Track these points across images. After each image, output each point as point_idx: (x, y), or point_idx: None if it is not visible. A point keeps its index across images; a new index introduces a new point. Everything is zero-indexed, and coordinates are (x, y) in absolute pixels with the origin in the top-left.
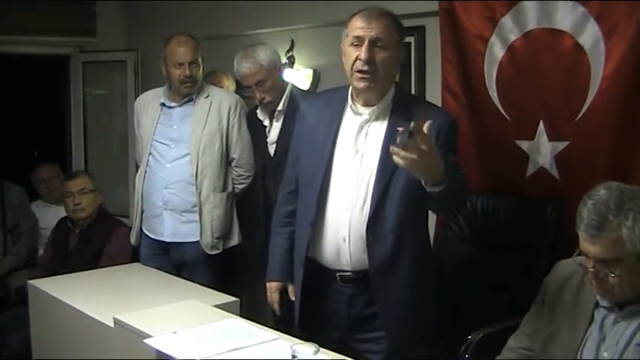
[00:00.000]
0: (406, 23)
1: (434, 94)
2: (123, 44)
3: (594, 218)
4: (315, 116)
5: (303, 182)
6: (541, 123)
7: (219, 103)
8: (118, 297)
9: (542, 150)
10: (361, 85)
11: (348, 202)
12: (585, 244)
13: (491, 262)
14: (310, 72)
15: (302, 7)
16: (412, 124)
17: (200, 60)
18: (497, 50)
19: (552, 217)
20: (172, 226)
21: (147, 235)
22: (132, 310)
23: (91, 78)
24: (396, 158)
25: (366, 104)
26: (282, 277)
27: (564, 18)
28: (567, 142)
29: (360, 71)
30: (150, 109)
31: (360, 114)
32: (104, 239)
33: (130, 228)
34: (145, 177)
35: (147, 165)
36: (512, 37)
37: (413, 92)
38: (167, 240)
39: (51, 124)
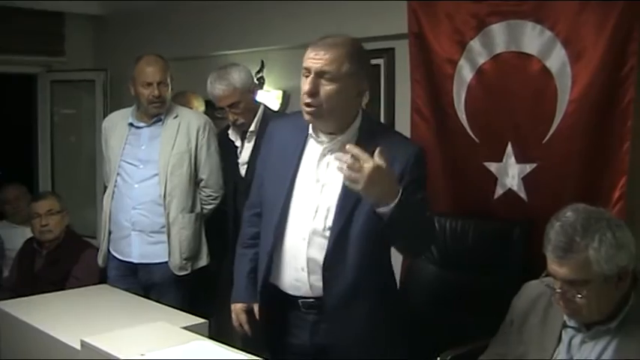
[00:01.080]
0: (376, 45)
1: (403, 116)
2: (92, 64)
3: (561, 240)
4: (281, 140)
5: (265, 207)
6: (509, 145)
7: (188, 123)
8: (85, 319)
9: (510, 172)
10: (306, 117)
11: (305, 232)
12: (553, 266)
13: (459, 284)
14: (280, 93)
15: (272, 28)
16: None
17: (169, 80)
18: (465, 73)
19: (520, 239)
20: (140, 247)
21: (114, 257)
22: (99, 332)
23: (59, 97)
24: (344, 174)
25: (328, 133)
26: (247, 298)
27: (532, 42)
28: (535, 164)
29: (304, 103)
30: (118, 129)
31: (322, 142)
32: (71, 261)
33: (98, 249)
34: (112, 198)
35: (115, 185)
36: (481, 60)
37: (382, 114)
38: (135, 261)
39: (18, 143)
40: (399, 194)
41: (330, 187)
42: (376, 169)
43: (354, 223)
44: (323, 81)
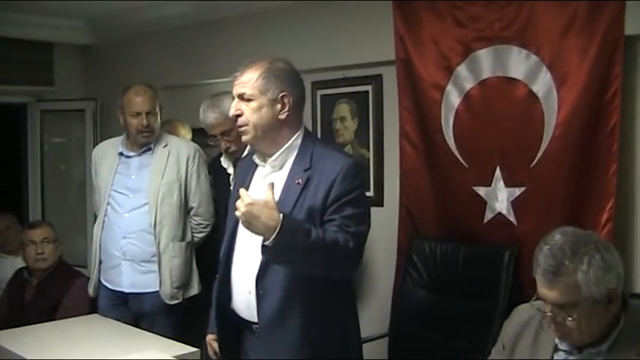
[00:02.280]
0: (363, 72)
1: (391, 142)
2: (81, 93)
3: (551, 263)
4: (239, 174)
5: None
6: (498, 169)
7: (178, 152)
8: (77, 349)
9: (500, 196)
10: (242, 138)
11: (251, 255)
12: (543, 289)
13: (449, 308)
14: None
15: (260, 56)
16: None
17: (158, 109)
18: (453, 98)
19: (510, 263)
20: (131, 277)
21: (105, 286)
22: None
23: (49, 127)
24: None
25: (269, 155)
26: (214, 328)
27: (517, 66)
28: (524, 188)
29: (237, 126)
30: (108, 158)
31: (264, 166)
32: (62, 290)
33: (88, 279)
34: (103, 227)
35: (105, 215)
36: (468, 85)
37: (371, 140)
38: (126, 290)
39: (7, 172)
40: (278, 230)
41: None
42: (249, 206)
43: None
44: (244, 102)
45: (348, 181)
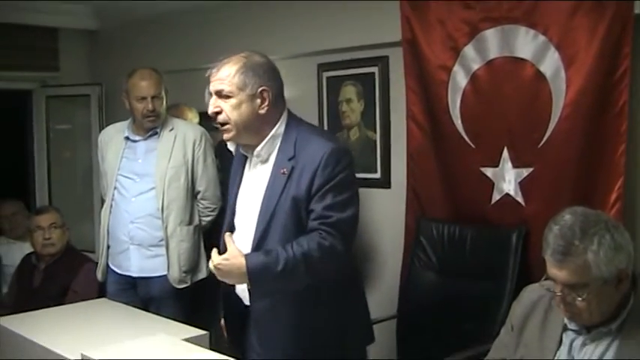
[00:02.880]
0: (369, 54)
1: (399, 124)
2: (86, 78)
3: (560, 243)
4: (236, 166)
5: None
6: (505, 150)
7: (184, 136)
8: (85, 333)
9: (507, 177)
10: (224, 135)
11: (247, 243)
12: (552, 269)
13: (458, 289)
14: None
15: (266, 39)
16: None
17: (164, 94)
18: (460, 79)
19: (518, 243)
20: (139, 261)
21: (113, 271)
22: (99, 346)
23: (55, 112)
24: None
25: (253, 147)
26: None
27: (525, 46)
28: (531, 169)
29: (217, 124)
30: (114, 143)
31: (251, 158)
32: (70, 275)
33: (96, 263)
34: (110, 212)
35: (112, 199)
36: (475, 66)
37: (377, 121)
38: (134, 275)
39: (13, 159)
40: (247, 275)
41: (258, 200)
42: (218, 268)
43: (273, 230)
44: (222, 99)
45: (329, 169)
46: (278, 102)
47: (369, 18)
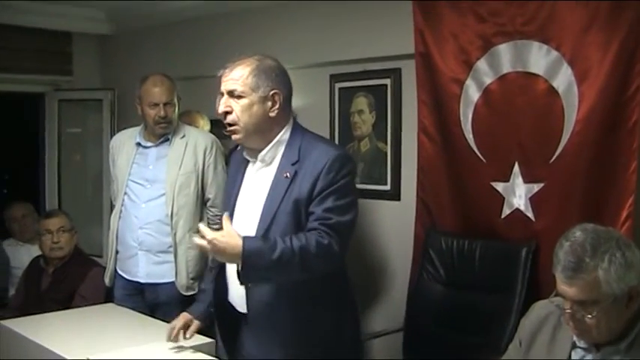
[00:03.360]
0: (382, 66)
1: (409, 136)
2: (99, 83)
3: (571, 260)
4: (232, 170)
5: None
6: (516, 165)
7: (195, 143)
8: (92, 338)
9: (518, 192)
10: (232, 136)
11: None
12: (562, 286)
13: (466, 303)
14: None
15: (279, 48)
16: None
17: (176, 100)
18: (472, 93)
19: (527, 258)
20: (147, 267)
21: (121, 276)
22: (106, 351)
23: (67, 116)
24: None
25: (258, 151)
26: (194, 312)
27: (538, 62)
28: (542, 184)
29: (225, 124)
30: (125, 148)
31: (254, 162)
32: (78, 279)
33: (104, 268)
34: (120, 217)
35: (122, 205)
36: (488, 80)
37: (389, 134)
38: (142, 281)
39: (25, 161)
40: (241, 255)
41: (259, 204)
42: (212, 242)
43: (272, 235)
44: (234, 99)
45: (332, 174)
46: (286, 107)
47: (382, 30)
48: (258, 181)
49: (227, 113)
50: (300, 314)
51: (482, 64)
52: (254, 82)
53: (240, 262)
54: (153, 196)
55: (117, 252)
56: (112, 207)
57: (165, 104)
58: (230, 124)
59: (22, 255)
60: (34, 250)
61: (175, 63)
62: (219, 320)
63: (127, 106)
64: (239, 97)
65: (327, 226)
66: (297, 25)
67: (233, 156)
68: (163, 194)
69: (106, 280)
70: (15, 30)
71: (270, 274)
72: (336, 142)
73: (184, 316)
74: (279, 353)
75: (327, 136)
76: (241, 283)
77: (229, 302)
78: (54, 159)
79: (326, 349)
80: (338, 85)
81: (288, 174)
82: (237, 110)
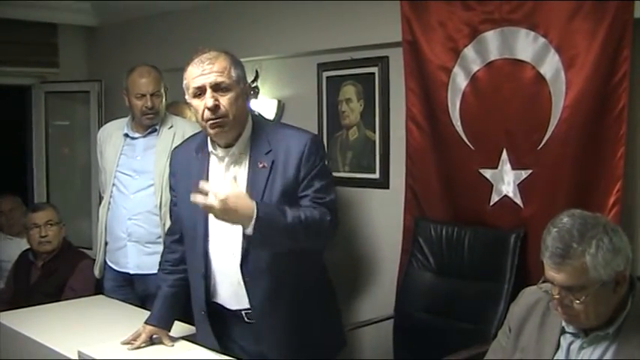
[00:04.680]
0: (369, 54)
1: (398, 124)
2: (86, 75)
3: (558, 246)
4: (184, 167)
5: (186, 233)
6: (504, 152)
7: (183, 133)
8: (82, 330)
9: (506, 178)
10: (216, 131)
11: (233, 248)
12: (550, 272)
13: (455, 291)
14: (275, 102)
15: (266, 38)
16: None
17: (163, 91)
18: (460, 81)
19: (516, 245)
20: (136, 258)
21: (111, 267)
22: (96, 343)
23: (54, 109)
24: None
25: (226, 146)
26: (158, 323)
27: (525, 48)
28: (530, 171)
29: (209, 119)
30: (113, 139)
31: (223, 157)
32: (67, 272)
33: (94, 260)
34: (108, 208)
35: (110, 196)
36: (475, 67)
37: (377, 122)
38: (131, 272)
39: (12, 154)
40: (255, 216)
41: None
42: (223, 201)
43: None
44: (220, 93)
45: (313, 157)
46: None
47: (369, 18)
48: (229, 176)
49: (216, 107)
50: (299, 308)
51: (469, 52)
52: (237, 75)
53: (253, 223)
54: (141, 187)
55: (106, 243)
56: (100, 199)
57: (151, 95)
58: (219, 118)
59: (11, 249)
60: (24, 244)
61: (162, 54)
62: (210, 319)
63: (114, 98)
64: (226, 89)
65: (322, 204)
66: (284, 13)
67: (177, 153)
68: (152, 185)
69: (96, 272)
70: (0, 22)
71: (279, 238)
72: (324, 130)
73: (150, 330)
74: (277, 348)
75: (316, 125)
76: (249, 245)
77: (214, 302)
78: (41, 151)
79: (315, 342)
80: (325, 74)
81: (264, 164)
82: (225, 104)
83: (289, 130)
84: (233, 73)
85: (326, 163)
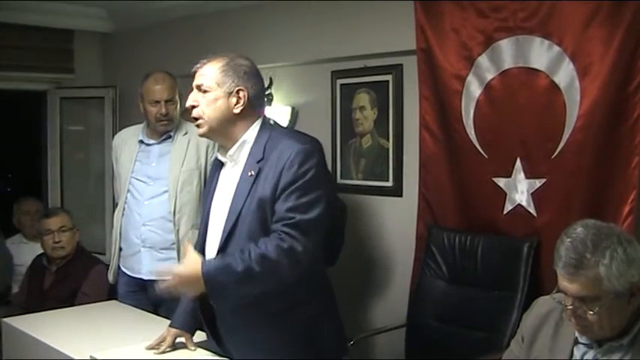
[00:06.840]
0: (383, 62)
1: (411, 132)
2: (101, 81)
3: (572, 256)
4: (212, 171)
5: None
6: (518, 160)
7: (198, 140)
8: (95, 335)
9: (520, 187)
10: (198, 131)
11: (215, 246)
12: (564, 282)
13: (468, 300)
14: (289, 109)
15: (280, 45)
16: None
17: (177, 98)
18: (474, 89)
19: (529, 254)
20: (150, 264)
21: (124, 273)
22: (109, 348)
23: (68, 114)
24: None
25: (226, 150)
26: (182, 326)
27: (540, 57)
28: (544, 180)
29: (191, 119)
30: (128, 146)
31: (226, 162)
32: (81, 277)
33: (107, 265)
34: (123, 214)
35: (125, 202)
36: (489, 76)
37: (390, 130)
38: (145, 277)
39: (27, 160)
40: (204, 284)
41: (227, 203)
42: (174, 284)
43: (238, 234)
44: (200, 94)
45: (295, 168)
46: (255, 106)
47: (383, 26)
48: (228, 182)
49: (193, 107)
50: (278, 311)
51: (483, 60)
52: (220, 78)
53: (205, 291)
54: (156, 194)
55: (120, 249)
56: (114, 204)
57: (166, 102)
58: (195, 118)
59: (26, 253)
60: (38, 248)
61: (177, 60)
62: (204, 316)
63: (128, 104)
64: (205, 91)
65: (289, 225)
66: (299, 21)
67: (214, 159)
68: (166, 191)
69: (110, 277)
70: (16, 28)
71: (236, 290)
72: (338, 138)
73: (174, 333)
74: (255, 355)
75: (329, 133)
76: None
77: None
78: (56, 157)
79: (306, 349)
80: (339, 82)
81: (252, 172)
82: (202, 104)
83: (286, 139)
84: (216, 76)
85: (314, 175)
